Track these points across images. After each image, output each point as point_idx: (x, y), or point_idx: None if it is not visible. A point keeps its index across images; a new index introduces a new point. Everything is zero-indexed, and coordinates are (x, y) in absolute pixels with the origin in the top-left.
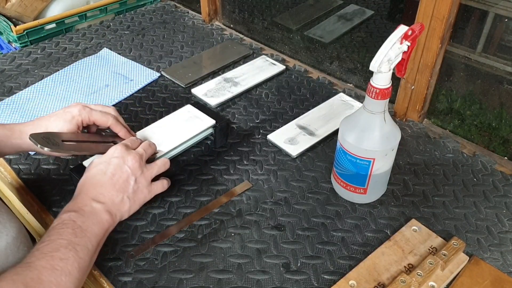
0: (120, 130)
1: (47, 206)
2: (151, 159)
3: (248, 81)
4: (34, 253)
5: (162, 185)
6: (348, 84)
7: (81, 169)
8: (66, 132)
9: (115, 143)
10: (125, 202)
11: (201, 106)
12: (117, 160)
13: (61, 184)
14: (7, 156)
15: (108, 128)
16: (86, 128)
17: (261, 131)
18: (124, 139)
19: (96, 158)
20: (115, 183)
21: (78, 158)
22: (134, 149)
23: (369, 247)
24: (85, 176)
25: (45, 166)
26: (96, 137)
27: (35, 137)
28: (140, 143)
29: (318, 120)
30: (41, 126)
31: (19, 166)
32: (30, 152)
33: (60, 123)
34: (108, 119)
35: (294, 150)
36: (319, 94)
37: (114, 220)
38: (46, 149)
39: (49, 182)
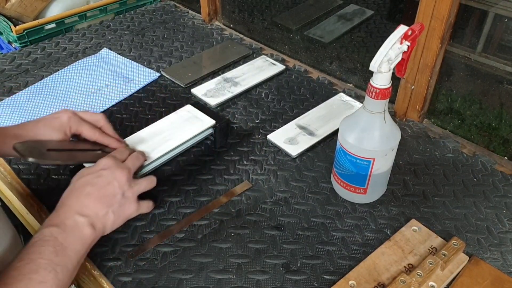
0: (108, 142)
1: (47, 206)
2: (139, 170)
3: (248, 81)
4: (11, 273)
5: (148, 205)
6: (348, 84)
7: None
8: (52, 140)
9: (102, 151)
10: (110, 216)
11: (201, 106)
12: (106, 172)
13: (61, 184)
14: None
15: None
16: (73, 136)
17: (261, 131)
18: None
19: (83, 169)
20: (102, 196)
21: (61, 167)
22: (123, 161)
23: (369, 247)
24: (71, 187)
25: (45, 166)
26: (83, 145)
27: (19, 146)
28: (129, 154)
29: (318, 120)
30: (28, 131)
31: (19, 166)
32: None
33: (48, 130)
34: (95, 134)
35: (294, 150)
36: (319, 94)
37: (97, 234)
38: (30, 159)
39: (49, 182)
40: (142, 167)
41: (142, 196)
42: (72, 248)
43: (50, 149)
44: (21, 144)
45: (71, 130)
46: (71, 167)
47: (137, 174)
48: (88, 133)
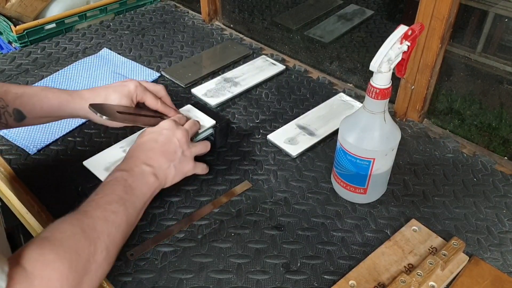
0: (167, 111)
1: (47, 206)
2: (194, 136)
3: (248, 81)
4: (91, 204)
5: (203, 167)
6: (348, 84)
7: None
8: (120, 105)
9: (163, 118)
10: (171, 170)
11: (201, 106)
12: (168, 132)
13: (61, 183)
14: (7, 156)
15: None
16: (137, 104)
17: (261, 131)
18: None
19: (147, 128)
20: (164, 151)
21: (128, 130)
22: (182, 125)
23: (369, 247)
24: (138, 142)
25: (45, 166)
26: (146, 112)
27: (94, 106)
28: (186, 121)
29: (318, 120)
30: (100, 95)
31: (19, 166)
32: (29, 152)
33: (118, 95)
34: (157, 103)
35: (294, 150)
36: (319, 94)
37: (160, 184)
38: (104, 117)
39: (49, 182)
40: (197, 133)
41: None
42: (139, 190)
43: (119, 112)
44: (96, 104)
45: (137, 98)
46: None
47: (193, 140)
48: (151, 102)
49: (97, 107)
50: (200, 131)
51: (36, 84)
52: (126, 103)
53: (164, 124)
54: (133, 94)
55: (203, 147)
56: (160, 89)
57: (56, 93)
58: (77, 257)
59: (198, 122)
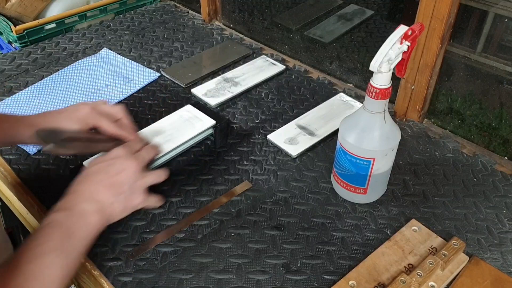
0: (124, 136)
1: (47, 206)
2: (151, 162)
3: (248, 81)
4: (21, 256)
5: (156, 200)
6: (348, 84)
7: (81, 169)
8: (71, 130)
9: (120, 142)
10: (119, 204)
11: (201, 106)
12: (118, 161)
13: (61, 184)
14: (6, 156)
15: None
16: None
17: (261, 131)
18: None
19: (97, 157)
20: (112, 184)
21: (78, 158)
22: (136, 152)
23: (369, 247)
24: (84, 173)
25: (45, 166)
26: (100, 136)
27: (41, 132)
28: (142, 146)
29: (318, 120)
30: (49, 121)
31: (19, 166)
32: (29, 152)
33: (69, 121)
34: (112, 128)
35: (294, 150)
36: (319, 94)
37: (104, 222)
38: (49, 146)
39: (49, 182)
40: (154, 159)
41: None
42: (80, 233)
43: (68, 138)
44: (44, 130)
45: (90, 123)
46: (72, 167)
47: (149, 167)
48: (106, 127)
49: (45, 134)
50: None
51: (36, 84)
52: (79, 128)
53: (116, 152)
54: (86, 119)
55: (158, 176)
56: (118, 111)
57: (2, 121)
58: None
59: (156, 146)
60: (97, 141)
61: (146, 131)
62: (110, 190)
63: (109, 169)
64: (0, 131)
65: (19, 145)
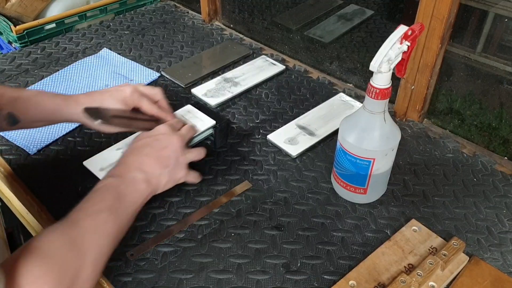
0: (163, 116)
1: (47, 206)
2: (190, 141)
3: (248, 81)
4: (80, 212)
5: (195, 175)
6: (348, 84)
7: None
8: (115, 108)
9: (159, 122)
10: (164, 176)
11: (201, 106)
12: (163, 137)
13: (61, 184)
14: (6, 156)
15: None
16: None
17: (261, 131)
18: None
19: (142, 133)
20: (159, 157)
21: (122, 134)
22: (178, 130)
23: (369, 247)
24: (132, 147)
25: (45, 166)
26: (142, 116)
27: (89, 110)
28: (182, 125)
29: (318, 120)
30: (95, 100)
31: (19, 165)
32: (29, 152)
33: (113, 101)
34: (153, 108)
35: (294, 150)
36: (319, 94)
37: (152, 191)
38: (97, 122)
39: (49, 182)
40: (192, 138)
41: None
42: (130, 198)
43: (114, 116)
44: (90, 108)
45: (133, 103)
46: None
47: (187, 145)
48: (147, 108)
49: (92, 111)
50: (198, 132)
51: (36, 84)
52: (121, 107)
53: (160, 129)
54: (128, 99)
55: (198, 154)
56: (156, 93)
57: (51, 98)
58: (65, 271)
59: (194, 127)
60: (139, 119)
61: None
62: (157, 162)
63: (155, 144)
64: (53, 106)
65: (63, 124)
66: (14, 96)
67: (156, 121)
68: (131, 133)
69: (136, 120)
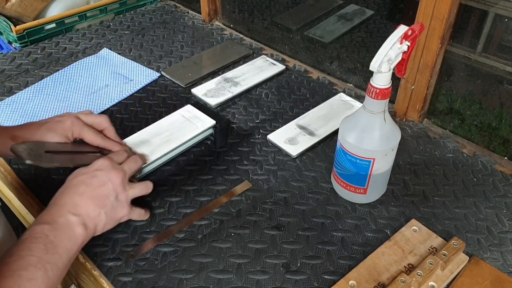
0: (109, 146)
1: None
2: (137, 172)
3: (248, 81)
4: (2, 268)
5: (140, 212)
6: (348, 84)
7: None
8: (53, 141)
9: (102, 153)
10: (102, 218)
11: (201, 106)
12: (101, 173)
13: (61, 184)
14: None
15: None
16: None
17: (261, 131)
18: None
19: (79, 169)
20: (95, 196)
21: (61, 168)
22: (120, 163)
23: (369, 247)
24: (66, 185)
25: (45, 167)
26: (82, 147)
27: (17, 148)
28: (127, 157)
29: (318, 120)
30: (31, 134)
31: (19, 166)
32: None
33: (50, 134)
34: (96, 139)
35: (294, 150)
36: (319, 94)
37: (88, 234)
38: (27, 161)
39: (49, 182)
40: (140, 170)
41: (137, 200)
42: (63, 247)
43: (48, 151)
44: (19, 145)
45: (73, 135)
46: (72, 167)
47: (135, 177)
48: (90, 138)
49: (22, 148)
50: (148, 162)
51: (36, 84)
52: (60, 140)
53: (98, 163)
54: (68, 131)
55: (143, 189)
56: (102, 121)
57: None
58: None
59: (142, 157)
60: (81, 152)
61: (146, 131)
62: (93, 202)
63: (92, 181)
64: None
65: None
66: None
67: (101, 152)
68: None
69: (77, 153)
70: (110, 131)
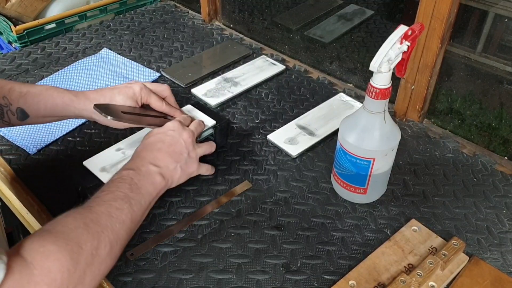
0: (172, 112)
1: (47, 206)
2: (199, 136)
3: (248, 81)
4: (95, 200)
5: (208, 167)
6: (348, 84)
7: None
8: (125, 105)
9: (167, 118)
10: (177, 171)
11: (201, 106)
12: (174, 133)
13: (61, 184)
14: (6, 156)
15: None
16: (142, 105)
17: (261, 131)
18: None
19: (153, 129)
20: (171, 152)
21: (128, 130)
22: (187, 126)
23: (369, 247)
24: (144, 143)
25: (45, 166)
26: (151, 112)
27: (99, 106)
28: (191, 121)
29: (318, 120)
30: (105, 96)
31: (19, 165)
32: (29, 152)
33: (123, 97)
34: (162, 105)
35: (294, 150)
36: (319, 94)
37: (166, 184)
38: (109, 117)
39: (49, 182)
40: (201, 133)
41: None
42: (145, 189)
43: (124, 112)
44: (101, 104)
45: (142, 100)
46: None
47: (197, 140)
48: (156, 104)
49: (102, 107)
50: (207, 127)
51: (36, 84)
52: (131, 104)
53: (170, 125)
54: (138, 96)
55: (208, 148)
56: (164, 89)
57: (60, 93)
58: (79, 250)
59: (202, 122)
60: (148, 116)
61: (146, 131)
62: (170, 157)
63: (167, 139)
64: (63, 102)
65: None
66: (24, 91)
67: (164, 117)
68: (131, 133)
69: (145, 116)
70: (171, 99)
